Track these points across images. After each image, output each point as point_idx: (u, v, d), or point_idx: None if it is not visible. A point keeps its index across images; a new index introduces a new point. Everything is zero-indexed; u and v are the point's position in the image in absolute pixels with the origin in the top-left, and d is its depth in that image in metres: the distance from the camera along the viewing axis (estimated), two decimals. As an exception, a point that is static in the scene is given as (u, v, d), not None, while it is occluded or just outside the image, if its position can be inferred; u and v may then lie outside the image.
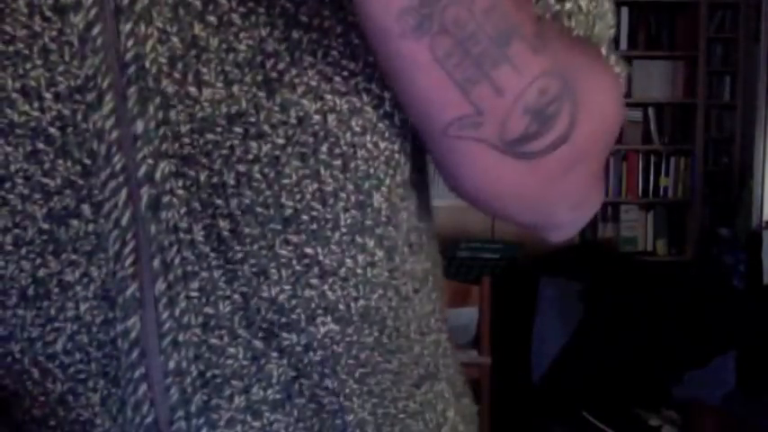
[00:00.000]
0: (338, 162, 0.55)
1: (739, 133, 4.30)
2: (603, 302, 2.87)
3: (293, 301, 0.55)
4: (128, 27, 0.51)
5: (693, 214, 4.37)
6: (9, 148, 0.52)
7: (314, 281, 0.56)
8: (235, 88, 0.52)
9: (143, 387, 0.55)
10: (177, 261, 0.54)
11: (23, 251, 0.54)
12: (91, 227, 0.53)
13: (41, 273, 0.54)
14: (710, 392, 2.61)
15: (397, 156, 0.58)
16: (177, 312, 0.54)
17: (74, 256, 0.53)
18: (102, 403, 0.56)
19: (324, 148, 0.54)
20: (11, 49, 0.51)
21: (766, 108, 3.98)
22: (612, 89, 0.54)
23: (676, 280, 3.41)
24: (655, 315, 2.82)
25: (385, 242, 0.59)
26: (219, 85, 0.52)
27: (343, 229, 0.56)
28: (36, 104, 0.51)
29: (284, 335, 0.56)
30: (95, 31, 0.51)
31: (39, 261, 0.54)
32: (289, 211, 0.54)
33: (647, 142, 4.39)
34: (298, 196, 0.54)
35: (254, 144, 0.53)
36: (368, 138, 0.56)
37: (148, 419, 0.55)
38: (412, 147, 0.59)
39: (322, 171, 0.54)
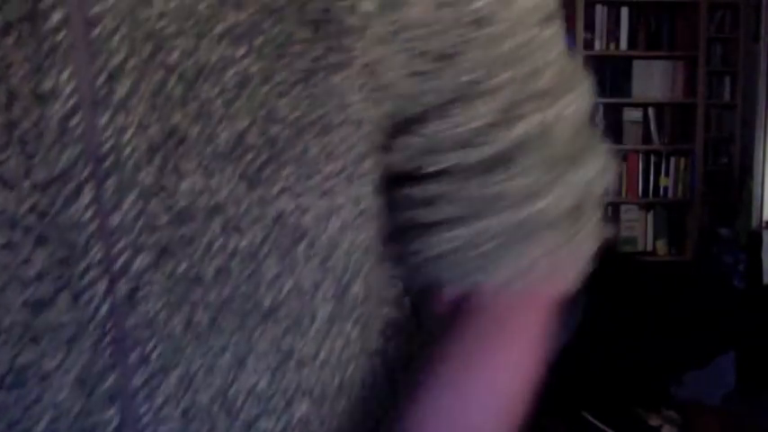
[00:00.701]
0: (316, 260, 0.54)
1: (739, 133, 4.31)
2: (603, 302, 2.87)
3: (271, 390, 0.55)
4: (105, 118, 0.49)
5: (693, 214, 4.37)
6: None
7: (292, 370, 0.55)
8: (214, 180, 0.51)
9: None
10: (155, 354, 0.53)
11: (6, 336, 0.52)
12: (69, 316, 0.52)
13: (19, 361, 0.53)
14: (710, 392, 2.61)
15: (374, 242, 0.58)
16: (156, 404, 0.53)
17: (52, 345, 0.52)
18: None
19: (301, 247, 0.54)
20: None
21: (766, 108, 3.98)
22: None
23: (676, 280, 3.41)
24: (654, 315, 2.82)
25: (360, 320, 0.59)
26: (199, 176, 0.51)
27: (321, 321, 0.56)
28: (13, 194, 0.50)
29: (262, 420, 0.55)
30: (73, 121, 0.50)
31: (16, 350, 0.53)
32: (266, 306, 0.54)
33: (647, 142, 4.39)
34: (275, 291, 0.54)
35: (232, 238, 0.52)
36: (346, 235, 0.55)
37: None
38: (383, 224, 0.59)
39: (299, 268, 0.54)
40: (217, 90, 0.50)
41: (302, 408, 0.57)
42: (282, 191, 0.52)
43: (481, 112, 0.56)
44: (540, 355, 0.61)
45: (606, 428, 2.46)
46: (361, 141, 0.54)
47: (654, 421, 2.44)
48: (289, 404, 0.56)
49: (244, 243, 0.52)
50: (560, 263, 0.60)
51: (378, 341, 0.62)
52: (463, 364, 0.60)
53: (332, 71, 0.52)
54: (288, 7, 0.51)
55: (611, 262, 3.81)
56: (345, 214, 0.55)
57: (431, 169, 0.58)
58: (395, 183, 0.59)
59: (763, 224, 3.89)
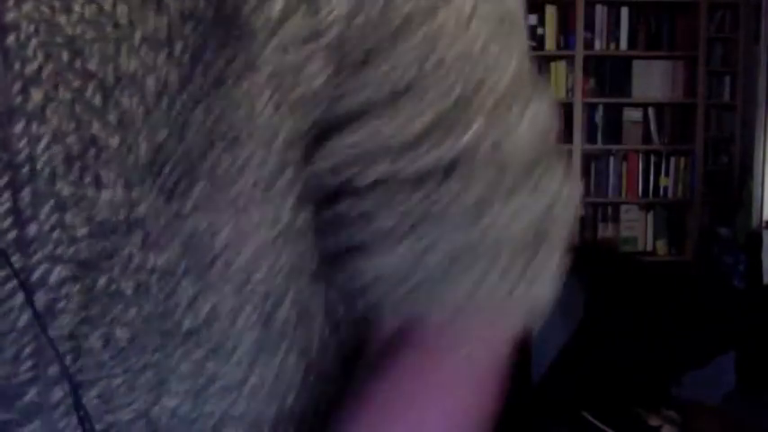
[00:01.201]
0: (232, 284, 0.52)
1: (739, 133, 4.30)
2: (603, 302, 2.86)
3: (195, 413, 0.53)
4: (19, 127, 0.47)
5: (693, 214, 4.37)
6: None
7: (216, 395, 0.54)
8: (134, 193, 0.49)
9: None
10: (74, 368, 0.51)
11: None
12: None
13: None
14: (710, 392, 2.61)
15: (303, 262, 0.55)
16: (76, 419, 0.51)
17: None
18: None
19: (215, 269, 0.51)
20: None
21: (766, 108, 3.98)
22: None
23: (676, 280, 3.41)
24: (654, 315, 2.82)
25: (295, 348, 0.56)
26: (119, 188, 0.49)
27: (246, 348, 0.54)
28: None
29: None
30: None
31: None
32: (186, 328, 0.52)
33: (647, 142, 4.39)
34: (193, 314, 0.52)
35: (151, 254, 0.50)
36: (265, 258, 0.53)
37: None
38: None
39: (216, 291, 0.52)
40: (137, 99, 0.48)
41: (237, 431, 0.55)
42: (195, 208, 0.50)
43: (412, 120, 0.51)
44: (484, 398, 0.57)
45: (606, 428, 2.45)
46: (275, 155, 0.51)
47: (654, 421, 2.44)
48: (217, 429, 0.54)
49: (161, 260, 0.50)
50: (513, 295, 0.55)
51: (332, 366, 0.58)
52: (386, 406, 0.56)
53: (240, 78, 0.49)
54: (206, 10, 0.49)
55: (611, 262, 3.81)
56: (263, 235, 0.52)
57: (361, 183, 0.53)
58: (325, 202, 0.54)
59: (763, 224, 3.89)
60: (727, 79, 4.34)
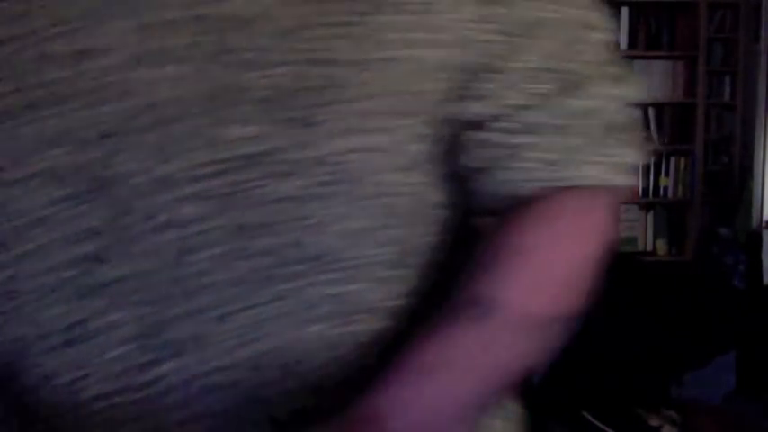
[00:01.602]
0: (365, 202, 0.54)
1: (739, 133, 4.30)
2: (604, 302, 2.87)
3: (324, 339, 0.54)
4: (146, 72, 0.50)
5: (693, 214, 4.37)
6: (42, 192, 0.51)
7: (344, 317, 0.55)
8: (264, 125, 0.51)
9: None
10: (222, 296, 0.52)
11: (54, 296, 0.52)
12: (127, 268, 0.52)
13: (77, 317, 0.53)
14: (710, 392, 2.61)
15: (426, 196, 0.57)
16: (208, 355, 0.53)
17: (112, 298, 0.52)
18: None
19: (357, 188, 0.53)
20: (45, 93, 0.50)
21: (766, 108, 3.98)
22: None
23: (676, 280, 3.41)
24: (655, 315, 2.82)
25: (426, 271, 0.58)
26: (250, 122, 0.51)
27: (382, 267, 0.55)
28: (70, 148, 0.51)
29: (317, 370, 0.55)
30: (113, 77, 0.50)
31: (74, 305, 0.53)
32: (313, 250, 0.53)
33: (647, 142, 4.39)
34: (322, 235, 0.53)
35: (279, 185, 0.52)
36: (397, 175, 0.55)
37: None
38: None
39: (356, 210, 0.54)
40: (266, 38, 0.51)
41: (355, 353, 0.55)
42: (334, 132, 0.52)
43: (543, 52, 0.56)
44: (597, 251, 0.60)
45: (606, 428, 2.45)
46: (415, 78, 0.53)
47: (654, 421, 2.44)
48: (346, 352, 0.55)
49: (293, 189, 0.52)
50: (612, 167, 0.59)
51: (426, 285, 0.60)
52: (516, 252, 0.57)
53: (382, 11, 0.52)
54: None
55: (612, 262, 3.80)
56: (394, 153, 0.54)
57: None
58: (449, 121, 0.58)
59: (763, 224, 3.88)
60: (727, 79, 4.34)
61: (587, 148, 0.58)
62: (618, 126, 0.59)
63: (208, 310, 0.53)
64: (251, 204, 0.51)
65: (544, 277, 0.57)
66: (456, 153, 0.58)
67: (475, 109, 0.56)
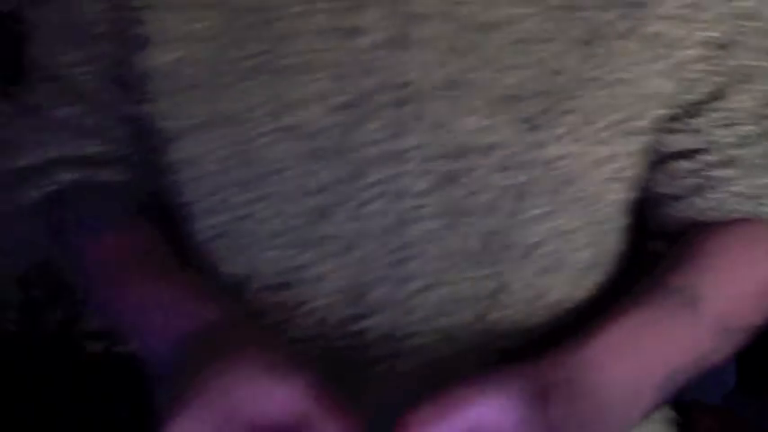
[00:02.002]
0: (582, 203, 0.59)
1: (739, 133, 4.29)
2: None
3: (521, 327, 0.59)
4: (409, 53, 0.57)
5: (693, 214, 4.36)
6: (288, 144, 0.57)
7: (541, 311, 0.60)
8: (494, 121, 0.57)
9: (385, 384, 0.58)
10: (429, 268, 0.58)
11: (281, 239, 0.58)
12: (348, 227, 0.57)
13: (295, 262, 0.58)
14: (710, 392, 2.61)
15: (621, 202, 0.63)
16: (420, 317, 0.58)
17: (327, 252, 0.58)
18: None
19: (571, 190, 0.58)
20: (306, 58, 0.57)
21: None
22: None
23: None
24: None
25: (609, 281, 0.63)
26: (481, 116, 0.57)
27: (578, 265, 0.60)
28: (319, 109, 0.57)
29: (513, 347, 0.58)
30: (381, 52, 0.57)
31: (294, 251, 0.58)
32: (527, 243, 0.58)
33: None
34: (538, 229, 0.58)
35: (507, 174, 0.57)
36: (612, 185, 0.60)
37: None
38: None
39: (567, 209, 0.59)
40: (505, 42, 0.57)
41: (544, 336, 0.59)
42: (558, 137, 0.57)
43: (755, 94, 0.63)
44: None
45: (606, 428, 2.45)
46: (640, 101, 0.59)
47: (654, 421, 2.44)
48: (537, 345, 0.57)
49: (514, 181, 0.57)
50: None
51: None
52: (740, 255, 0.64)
53: (621, 36, 0.58)
54: None
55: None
56: (614, 165, 0.60)
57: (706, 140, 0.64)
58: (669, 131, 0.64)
59: (763, 224, 3.88)
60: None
61: None
62: None
63: (412, 279, 0.58)
64: (471, 190, 0.57)
65: (744, 289, 0.62)
66: (656, 177, 0.65)
67: (685, 141, 0.63)
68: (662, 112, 0.62)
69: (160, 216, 0.67)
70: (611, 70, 0.58)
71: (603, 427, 0.50)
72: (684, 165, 0.64)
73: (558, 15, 0.57)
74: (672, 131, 0.64)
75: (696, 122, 0.63)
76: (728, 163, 0.64)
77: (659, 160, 0.65)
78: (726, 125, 0.63)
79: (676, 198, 0.65)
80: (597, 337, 0.55)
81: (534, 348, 0.57)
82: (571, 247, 0.60)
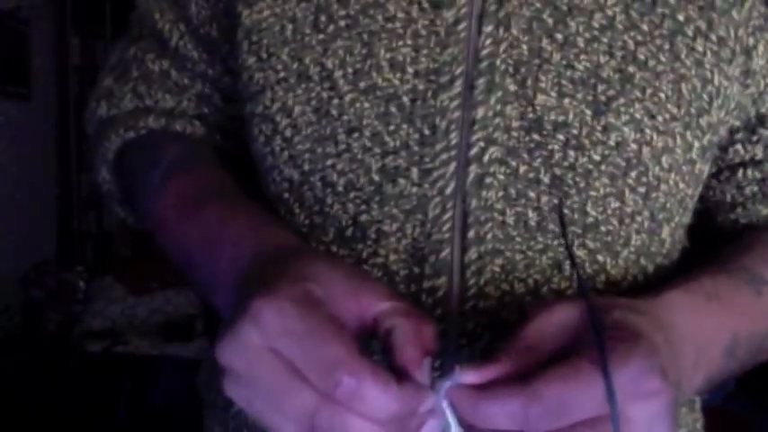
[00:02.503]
0: (642, 189, 0.60)
1: (739, 133, 4.30)
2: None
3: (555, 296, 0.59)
4: (488, 29, 0.59)
5: (693, 214, 4.37)
6: (366, 105, 0.60)
7: (600, 285, 0.60)
8: (566, 101, 0.58)
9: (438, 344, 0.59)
10: (490, 236, 0.59)
11: (352, 195, 0.60)
12: (416, 189, 0.59)
13: (363, 218, 0.60)
14: (710, 392, 2.60)
15: (687, 200, 0.64)
16: (482, 281, 0.59)
17: (395, 211, 0.59)
18: None
19: (633, 174, 0.59)
20: (389, 26, 0.60)
21: (766, 108, 3.98)
22: None
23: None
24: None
25: (661, 272, 0.64)
26: (553, 94, 0.58)
27: (632, 249, 0.61)
28: (398, 75, 0.59)
29: None
30: (461, 26, 0.59)
31: (363, 207, 0.60)
32: (590, 220, 0.59)
33: None
34: (601, 209, 0.59)
35: (572, 153, 0.58)
36: (671, 175, 0.61)
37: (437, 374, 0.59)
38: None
39: (626, 193, 0.59)
40: (583, 27, 0.58)
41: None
42: (627, 122, 0.58)
43: None
44: None
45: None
46: (705, 98, 0.60)
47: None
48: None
49: (582, 160, 0.58)
50: None
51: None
52: None
53: (698, 34, 0.60)
54: None
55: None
56: (677, 156, 0.60)
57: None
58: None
59: (763, 224, 3.88)
60: (727, 79, 4.34)
61: None
62: None
63: (472, 246, 0.59)
64: (543, 164, 0.58)
65: None
66: (721, 186, 0.68)
67: (751, 151, 0.66)
68: (726, 115, 0.63)
69: (237, 173, 0.69)
70: (682, 66, 0.59)
71: (675, 379, 0.49)
72: (749, 173, 0.67)
73: (640, 8, 0.59)
74: (738, 142, 0.66)
75: (760, 133, 0.66)
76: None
77: (725, 168, 0.67)
78: None
79: (740, 205, 0.68)
80: (665, 298, 0.56)
81: None
82: (627, 231, 0.60)
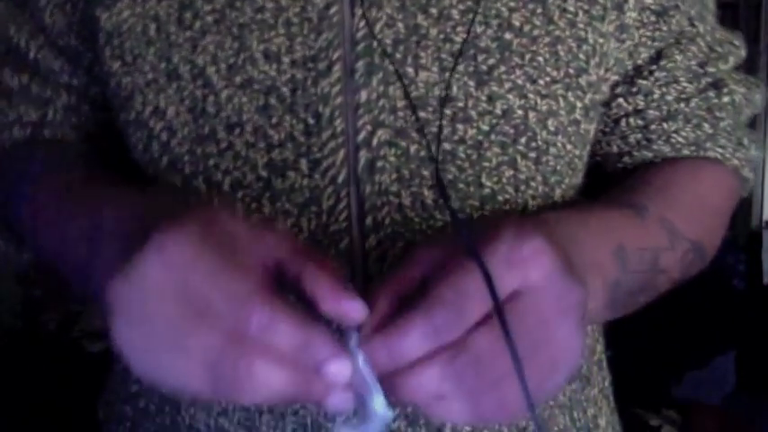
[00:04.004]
0: (533, 155, 0.60)
1: (739, 133, 4.29)
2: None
3: None
4: (361, 11, 0.58)
5: (693, 214, 4.36)
6: (244, 99, 0.58)
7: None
8: (447, 75, 0.58)
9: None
10: (388, 221, 0.58)
11: (240, 193, 0.58)
12: (306, 181, 0.58)
13: (256, 216, 0.58)
14: (710, 392, 2.61)
15: (576, 161, 0.64)
16: (385, 267, 0.58)
17: (287, 206, 0.58)
18: None
19: (522, 140, 0.60)
20: (259, 17, 0.58)
21: (766, 108, 3.97)
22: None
23: (676, 280, 3.40)
24: (654, 315, 2.82)
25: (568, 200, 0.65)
26: (434, 70, 0.58)
27: (529, 215, 0.61)
28: (274, 66, 0.58)
29: None
30: (333, 10, 0.58)
31: (254, 205, 0.58)
32: (487, 191, 0.59)
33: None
34: (495, 179, 0.59)
35: (460, 126, 0.58)
36: (558, 138, 0.61)
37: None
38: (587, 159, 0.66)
39: (518, 160, 0.60)
40: (456, 0, 0.58)
41: None
42: (510, 90, 0.59)
43: (694, 53, 0.69)
44: (730, 211, 0.73)
45: (606, 428, 2.45)
46: (582, 57, 0.61)
47: (654, 421, 2.44)
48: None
49: (471, 132, 0.58)
50: (744, 158, 0.73)
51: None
52: (678, 174, 0.69)
53: (569, 3, 0.60)
54: None
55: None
56: (561, 118, 0.61)
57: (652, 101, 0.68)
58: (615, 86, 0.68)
59: (763, 224, 3.88)
60: (727, 79, 4.33)
61: (729, 135, 0.71)
62: (745, 123, 0.75)
63: (371, 233, 0.58)
64: (433, 141, 0.58)
65: (688, 206, 0.66)
66: (607, 139, 0.69)
67: (631, 102, 0.67)
68: (605, 72, 0.64)
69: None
70: (557, 28, 0.60)
71: (579, 285, 0.48)
72: (632, 122, 0.68)
73: None
74: (619, 96, 0.68)
75: (639, 84, 0.67)
76: (669, 117, 0.68)
77: (609, 122, 0.69)
78: (666, 84, 0.68)
79: (626, 154, 0.69)
80: (549, 215, 0.57)
81: None
82: (523, 197, 0.61)
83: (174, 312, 0.41)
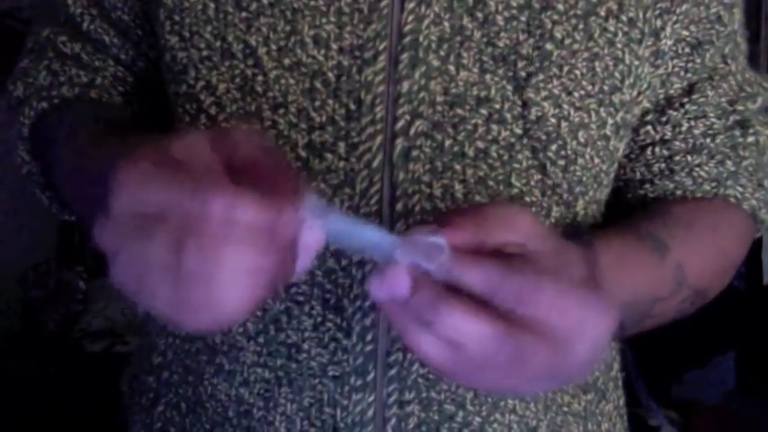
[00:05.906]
0: (562, 162, 0.62)
1: (739, 133, 4.29)
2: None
3: None
4: (411, 5, 0.60)
5: (693, 214, 4.36)
6: (291, 81, 0.60)
7: None
8: (487, 77, 0.60)
9: (371, 317, 0.60)
10: (418, 208, 0.60)
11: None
12: (342, 164, 0.60)
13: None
14: (710, 392, 2.61)
15: (602, 175, 0.66)
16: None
17: (322, 186, 0.60)
18: (313, 329, 0.61)
19: (553, 148, 0.61)
20: (312, 3, 0.60)
21: (766, 109, 3.97)
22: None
23: (676, 280, 3.39)
24: (655, 315, 2.81)
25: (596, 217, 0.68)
26: (475, 70, 0.60)
27: (552, 220, 0.63)
28: (322, 51, 0.60)
29: None
30: (383, 3, 0.61)
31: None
32: (515, 191, 0.61)
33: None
34: (524, 180, 0.61)
35: (494, 127, 0.60)
36: (587, 150, 0.63)
37: (369, 348, 0.61)
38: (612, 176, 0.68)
39: (548, 166, 0.62)
40: (501, 6, 0.60)
41: None
42: (546, 98, 0.61)
43: (724, 90, 0.71)
44: (742, 257, 0.76)
45: (606, 428, 2.45)
46: (617, 76, 0.63)
47: (654, 421, 2.44)
48: None
49: (505, 133, 0.61)
50: (764, 201, 0.73)
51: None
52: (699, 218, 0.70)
53: (609, 15, 0.62)
54: None
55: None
56: (591, 131, 0.63)
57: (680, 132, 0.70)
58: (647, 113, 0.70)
59: (763, 224, 3.88)
60: (727, 79, 4.33)
61: (750, 176, 0.72)
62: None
63: (400, 219, 0.59)
64: (467, 138, 0.60)
65: (705, 252, 0.67)
66: (632, 165, 0.71)
67: (660, 131, 0.69)
68: (638, 95, 0.66)
69: None
70: (596, 45, 0.62)
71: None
72: (657, 151, 0.70)
73: None
74: (648, 123, 0.70)
75: (669, 114, 0.69)
76: (694, 151, 0.70)
77: (636, 149, 0.71)
78: (695, 117, 0.70)
79: (648, 181, 0.71)
80: (606, 245, 0.60)
81: None
82: (548, 202, 0.63)
83: (144, 235, 0.42)
